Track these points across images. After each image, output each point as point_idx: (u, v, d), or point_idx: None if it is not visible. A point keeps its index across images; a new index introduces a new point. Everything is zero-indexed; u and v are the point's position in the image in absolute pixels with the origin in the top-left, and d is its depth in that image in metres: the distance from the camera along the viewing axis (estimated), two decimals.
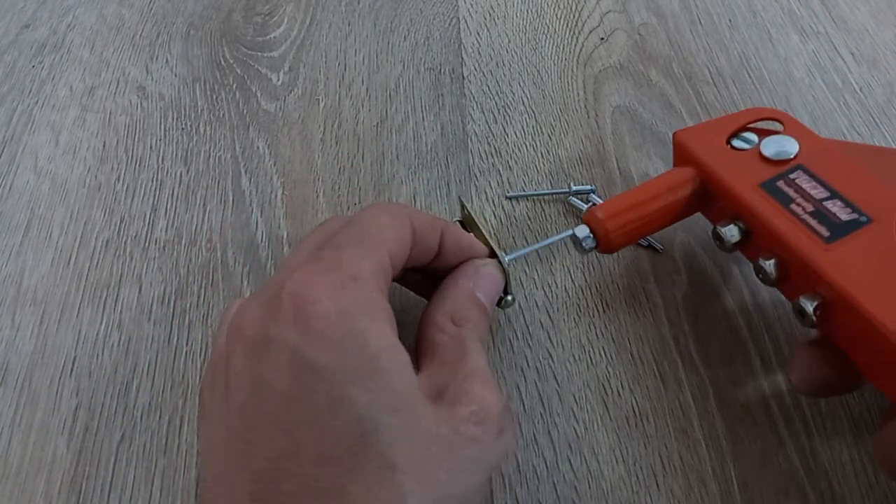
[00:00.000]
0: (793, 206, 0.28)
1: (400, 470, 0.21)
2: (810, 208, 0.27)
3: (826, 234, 0.26)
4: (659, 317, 0.34)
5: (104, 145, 0.39)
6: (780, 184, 0.28)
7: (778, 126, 0.32)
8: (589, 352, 0.32)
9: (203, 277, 0.34)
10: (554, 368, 0.32)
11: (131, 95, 0.42)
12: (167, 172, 0.38)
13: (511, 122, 0.41)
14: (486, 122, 0.41)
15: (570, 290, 0.34)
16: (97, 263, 0.34)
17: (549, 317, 0.33)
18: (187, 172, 0.38)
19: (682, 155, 0.32)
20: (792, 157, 0.29)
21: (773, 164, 0.29)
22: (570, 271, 0.35)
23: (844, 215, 0.27)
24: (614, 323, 0.33)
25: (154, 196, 0.37)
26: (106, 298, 0.33)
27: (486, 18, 0.48)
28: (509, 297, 0.30)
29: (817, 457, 0.30)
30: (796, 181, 0.28)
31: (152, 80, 0.43)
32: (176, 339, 0.32)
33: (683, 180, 0.31)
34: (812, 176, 0.28)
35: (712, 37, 0.46)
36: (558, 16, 0.48)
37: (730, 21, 0.48)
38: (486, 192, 0.38)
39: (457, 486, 0.23)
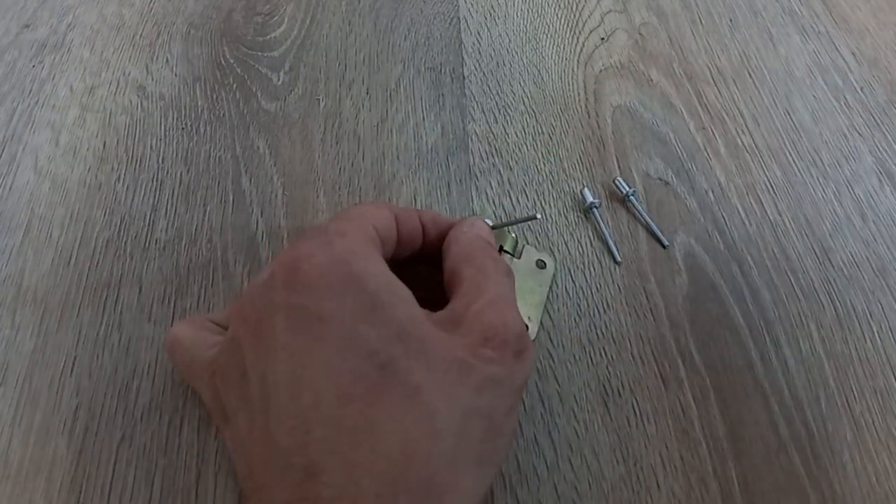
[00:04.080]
0: None
1: (424, 390, 0.22)
2: None
3: None
4: (659, 317, 0.34)
5: (104, 145, 0.39)
6: None
7: None
8: (589, 352, 0.32)
9: (203, 277, 0.34)
10: (554, 368, 0.32)
11: (131, 95, 0.42)
12: (167, 172, 0.38)
13: (511, 122, 0.41)
14: (487, 122, 0.41)
15: (570, 290, 0.34)
16: (97, 263, 0.34)
17: (550, 317, 0.33)
18: (187, 172, 0.38)
19: None
20: None
21: None
22: (570, 271, 0.35)
23: None
24: (615, 323, 0.33)
25: (154, 196, 0.37)
26: (106, 298, 0.33)
27: (486, 18, 0.48)
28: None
29: (818, 457, 0.30)
30: None
31: (152, 79, 0.43)
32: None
33: None
34: None
35: (713, 36, 0.46)
36: (559, 16, 0.48)
37: (730, 20, 0.48)
38: (486, 193, 0.38)
39: (482, 403, 0.23)
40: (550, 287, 0.34)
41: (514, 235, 0.34)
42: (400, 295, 0.24)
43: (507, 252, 0.33)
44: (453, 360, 0.23)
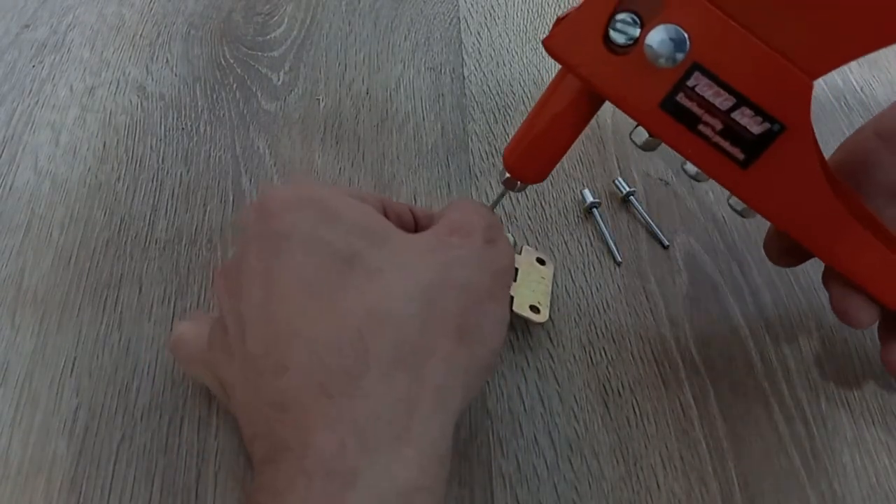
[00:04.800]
0: (700, 126, 0.25)
1: (386, 269, 0.23)
2: (719, 126, 0.24)
3: (741, 156, 0.25)
4: (659, 317, 0.34)
5: (104, 145, 0.39)
6: (681, 98, 0.24)
7: None
8: (589, 352, 0.32)
9: (203, 277, 0.34)
10: (554, 368, 0.32)
11: (131, 95, 0.42)
12: (167, 172, 0.38)
13: (512, 122, 0.41)
14: (487, 122, 0.41)
15: (570, 290, 0.34)
16: (97, 263, 0.34)
17: (550, 317, 0.33)
18: (187, 172, 0.38)
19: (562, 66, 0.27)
20: (684, 55, 0.23)
21: (665, 71, 0.24)
22: (570, 272, 0.35)
23: (756, 127, 0.24)
24: (615, 323, 0.33)
25: (154, 196, 0.37)
26: (106, 298, 0.33)
27: (486, 18, 0.48)
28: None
29: (818, 457, 0.30)
30: (696, 89, 0.24)
31: (152, 79, 0.43)
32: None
33: (569, 90, 0.27)
34: (712, 77, 0.24)
35: None
36: (559, 15, 0.48)
37: None
38: (486, 193, 0.38)
39: (452, 276, 0.23)
40: (553, 282, 0.34)
41: (512, 236, 0.34)
42: (363, 208, 0.25)
43: None
44: (417, 246, 0.24)
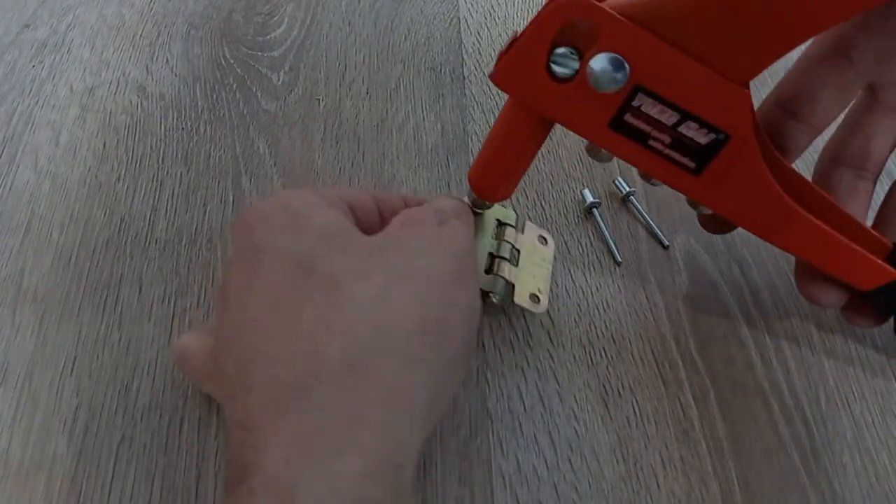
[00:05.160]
0: (650, 141, 0.26)
1: (341, 276, 0.22)
2: (667, 139, 0.26)
3: (692, 165, 0.26)
4: (659, 317, 0.34)
5: (104, 145, 0.39)
6: (628, 118, 0.25)
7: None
8: (589, 352, 0.32)
9: (203, 278, 0.34)
10: (554, 369, 0.32)
11: (131, 95, 0.42)
12: (167, 172, 0.38)
13: None
14: (487, 122, 0.41)
15: (570, 291, 0.34)
16: (97, 263, 0.34)
17: (550, 317, 0.33)
18: (187, 172, 0.38)
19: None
20: (625, 79, 0.24)
21: (609, 95, 0.25)
22: (570, 271, 0.35)
23: (702, 138, 0.25)
24: (615, 323, 0.33)
25: (154, 196, 0.37)
26: (106, 298, 0.33)
27: (486, 18, 0.48)
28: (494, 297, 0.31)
29: (817, 457, 0.30)
30: (642, 108, 0.25)
31: (152, 79, 0.43)
32: (176, 338, 0.32)
33: (521, 115, 0.28)
34: (654, 96, 0.25)
35: None
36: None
37: None
38: None
39: (411, 268, 0.23)
40: (553, 263, 0.34)
41: (515, 212, 0.34)
42: (325, 213, 0.25)
43: (511, 226, 0.33)
44: (372, 244, 0.24)
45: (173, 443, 0.29)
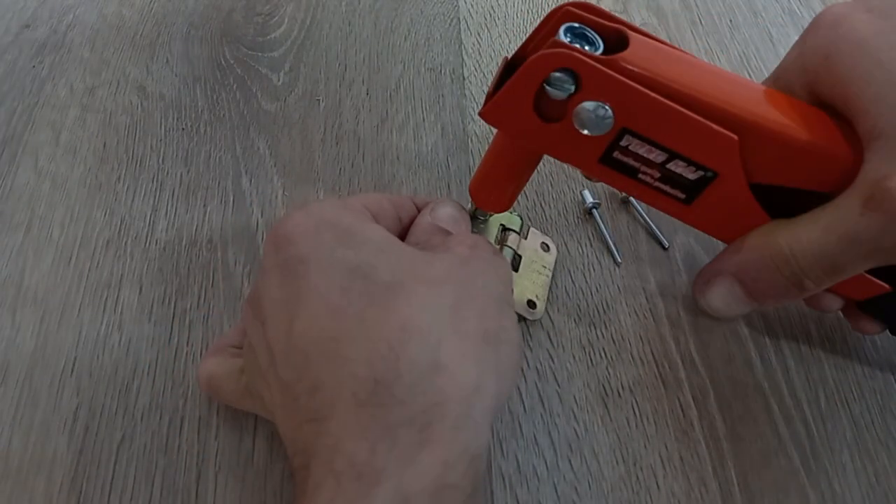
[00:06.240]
0: (640, 175, 0.27)
1: (407, 284, 0.23)
2: (657, 174, 0.27)
3: (682, 196, 0.27)
4: (659, 317, 0.34)
5: (104, 145, 0.39)
6: (617, 155, 0.26)
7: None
8: (589, 352, 0.32)
9: (203, 278, 0.34)
10: (554, 369, 0.32)
11: (132, 95, 0.42)
12: (167, 172, 0.38)
13: None
14: (487, 124, 0.41)
15: (570, 291, 0.34)
16: (98, 263, 0.34)
17: (550, 317, 0.33)
18: (188, 172, 0.38)
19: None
20: (611, 123, 0.25)
21: (596, 138, 0.26)
22: (570, 272, 0.35)
23: (691, 175, 0.26)
24: (615, 323, 0.33)
25: (154, 196, 0.37)
26: (106, 298, 0.33)
27: (486, 19, 0.48)
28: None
29: (817, 457, 0.30)
30: (630, 148, 0.26)
31: (153, 79, 0.43)
32: (176, 339, 0.32)
33: (513, 144, 0.29)
34: (642, 138, 0.25)
35: (713, 37, 0.46)
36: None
37: (730, 21, 0.48)
38: None
39: (471, 289, 0.25)
40: (554, 271, 0.35)
41: (519, 217, 0.34)
42: (373, 227, 0.26)
43: (515, 232, 0.34)
44: (429, 256, 0.25)
45: (173, 443, 0.29)
